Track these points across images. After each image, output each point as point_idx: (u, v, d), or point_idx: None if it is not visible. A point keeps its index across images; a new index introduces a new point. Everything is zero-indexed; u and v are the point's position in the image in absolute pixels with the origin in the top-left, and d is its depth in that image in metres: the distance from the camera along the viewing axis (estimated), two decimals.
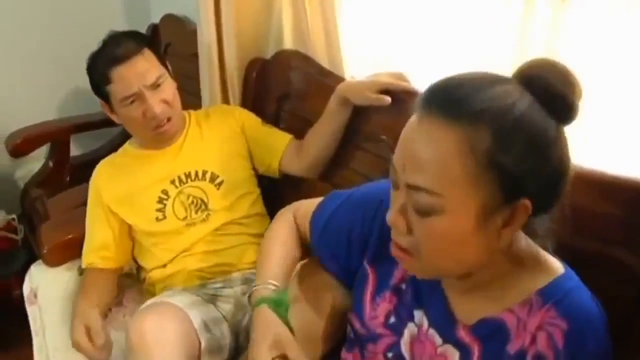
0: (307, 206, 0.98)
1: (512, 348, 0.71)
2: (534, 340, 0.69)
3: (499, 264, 0.72)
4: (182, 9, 2.02)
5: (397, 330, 0.83)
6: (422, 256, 0.69)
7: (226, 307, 1.26)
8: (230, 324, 1.24)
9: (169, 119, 1.29)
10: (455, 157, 0.62)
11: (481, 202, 0.63)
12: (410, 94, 1.19)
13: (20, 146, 1.96)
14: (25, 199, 2.07)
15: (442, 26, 1.26)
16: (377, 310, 0.84)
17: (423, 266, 0.70)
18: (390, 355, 0.83)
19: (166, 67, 1.32)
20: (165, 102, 1.27)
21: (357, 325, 0.87)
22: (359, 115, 1.29)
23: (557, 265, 0.73)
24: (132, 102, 1.25)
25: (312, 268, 0.98)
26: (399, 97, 1.20)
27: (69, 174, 2.09)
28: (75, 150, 2.13)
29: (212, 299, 1.26)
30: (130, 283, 1.44)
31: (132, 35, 1.30)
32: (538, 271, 0.72)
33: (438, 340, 0.78)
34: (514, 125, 0.62)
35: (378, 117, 1.26)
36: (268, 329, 0.82)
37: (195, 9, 1.54)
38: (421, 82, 1.20)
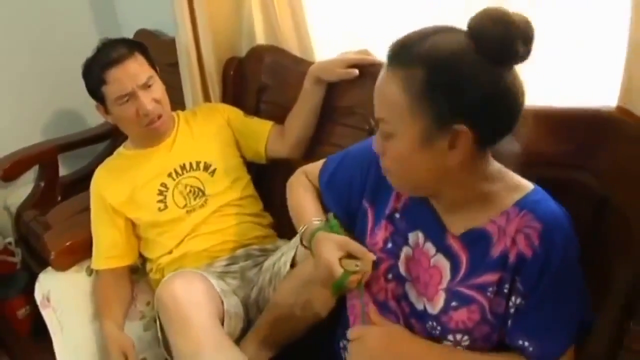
0: (314, 167, 1.17)
1: (495, 252, 0.85)
2: (514, 242, 0.83)
3: (474, 185, 0.85)
4: (153, 23, 2.12)
5: (394, 254, 0.96)
6: (393, 172, 0.87)
7: (234, 282, 1.36)
8: (240, 299, 1.33)
9: (159, 117, 1.39)
10: (396, 95, 0.78)
11: (420, 128, 0.78)
12: (375, 66, 1.31)
13: (10, 170, 2.01)
14: (19, 222, 2.12)
15: (404, 11, 1.37)
16: (375, 238, 0.98)
17: (398, 181, 0.88)
18: (390, 276, 0.96)
19: (155, 69, 1.42)
20: (156, 100, 1.37)
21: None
22: (333, 94, 1.42)
23: (528, 183, 0.88)
24: (126, 101, 1.34)
25: None
26: (366, 71, 1.33)
27: (60, 194, 2.15)
28: (63, 170, 2.20)
29: (221, 276, 1.35)
30: (137, 277, 1.52)
31: (124, 40, 1.41)
32: (512, 189, 0.86)
33: (432, 250, 0.91)
34: (442, 64, 0.76)
35: (350, 92, 1.38)
36: (328, 241, 0.96)
37: (172, 17, 1.64)
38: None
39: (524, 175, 0.90)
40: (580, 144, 0.97)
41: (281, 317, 1.15)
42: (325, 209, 1.11)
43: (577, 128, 0.97)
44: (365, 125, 1.36)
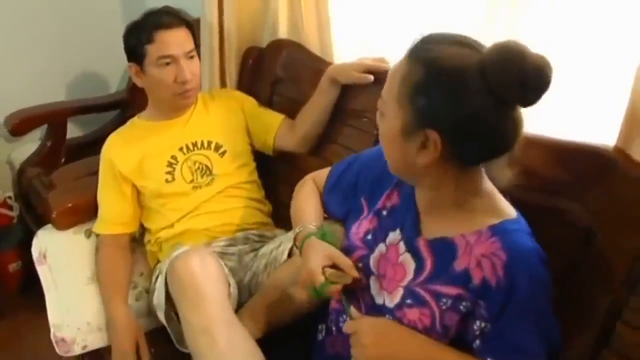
0: (322, 173, 1.24)
1: (458, 266, 0.88)
2: (479, 264, 0.86)
3: (450, 189, 0.88)
4: (178, 2, 2.15)
5: (370, 247, 1.01)
6: (382, 146, 0.93)
7: (230, 264, 1.40)
8: (235, 281, 1.37)
9: (192, 91, 1.43)
10: (397, 83, 0.84)
11: (402, 120, 0.84)
12: None
13: (18, 126, 2.06)
14: (21, 178, 2.15)
15: (424, 17, 1.41)
16: (359, 227, 1.04)
17: (385, 156, 0.93)
18: (360, 265, 1.01)
19: (197, 47, 1.46)
20: (194, 74, 1.42)
21: (344, 241, 1.06)
22: (346, 96, 1.46)
23: (511, 211, 0.90)
24: (166, 63, 1.37)
25: None
26: (381, 79, 1.36)
27: (65, 155, 2.18)
28: (71, 133, 2.23)
29: (220, 257, 1.38)
30: (135, 246, 1.54)
31: (174, 13, 1.46)
32: (493, 211, 0.89)
33: (402, 249, 0.96)
34: (439, 74, 0.80)
35: (362, 97, 1.42)
36: (318, 249, 1.02)
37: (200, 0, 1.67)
38: None
39: (517, 197, 0.93)
40: (577, 176, 1.00)
41: (274, 299, 1.20)
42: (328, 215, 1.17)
43: (577, 161, 1.01)
44: (374, 130, 1.40)
